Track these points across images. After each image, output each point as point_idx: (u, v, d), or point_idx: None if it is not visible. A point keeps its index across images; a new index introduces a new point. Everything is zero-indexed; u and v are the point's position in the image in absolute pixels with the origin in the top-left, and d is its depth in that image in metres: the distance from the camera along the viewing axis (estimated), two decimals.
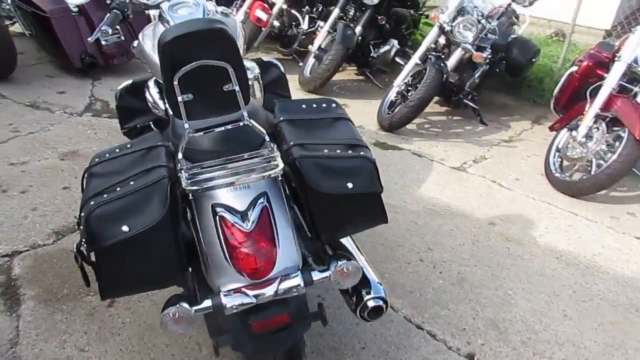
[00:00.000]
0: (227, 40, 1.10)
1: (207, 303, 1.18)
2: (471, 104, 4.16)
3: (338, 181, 1.30)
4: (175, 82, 1.07)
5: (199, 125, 1.21)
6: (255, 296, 1.17)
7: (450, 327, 2.00)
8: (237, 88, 1.13)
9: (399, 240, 2.49)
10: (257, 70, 2.31)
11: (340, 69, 5.13)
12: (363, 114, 4.12)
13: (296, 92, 4.41)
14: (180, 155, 1.20)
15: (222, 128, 1.21)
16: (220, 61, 1.08)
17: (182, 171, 1.18)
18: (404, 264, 2.32)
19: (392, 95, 3.91)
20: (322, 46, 4.40)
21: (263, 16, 4.47)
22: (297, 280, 1.20)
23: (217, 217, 1.21)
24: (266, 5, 4.58)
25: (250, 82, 2.25)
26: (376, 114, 3.91)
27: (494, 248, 2.54)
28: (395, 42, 4.74)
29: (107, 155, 1.37)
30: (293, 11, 4.93)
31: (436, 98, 4.51)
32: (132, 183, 1.18)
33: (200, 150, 1.26)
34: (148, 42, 2.04)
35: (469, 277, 2.29)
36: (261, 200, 1.24)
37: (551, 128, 3.53)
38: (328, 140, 1.38)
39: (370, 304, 1.46)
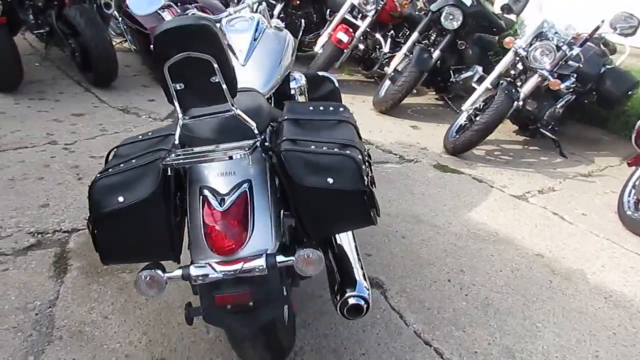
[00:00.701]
0: (211, 35, 1.23)
1: (178, 272, 1.30)
2: (549, 134, 3.96)
3: (319, 176, 1.36)
4: (166, 71, 1.23)
5: (194, 113, 1.35)
6: (221, 271, 1.27)
7: (461, 348, 1.93)
8: (220, 80, 1.26)
9: (431, 259, 2.45)
10: (303, 82, 2.45)
11: (420, 92, 5.16)
12: (431, 136, 4.10)
13: (369, 112, 4.50)
14: (176, 140, 1.35)
15: (212, 117, 1.34)
16: (204, 54, 1.22)
17: (171, 152, 1.32)
18: (430, 282, 2.28)
19: (461, 119, 3.85)
20: (399, 69, 4.45)
21: (344, 38, 4.64)
22: (260, 262, 1.27)
23: (201, 198, 1.33)
24: (349, 29, 4.75)
25: (292, 92, 2.40)
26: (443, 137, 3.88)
27: (534, 279, 2.40)
28: (479, 68, 4.65)
29: (131, 139, 1.57)
30: (377, 35, 5.06)
31: (514, 127, 4.37)
32: (133, 161, 1.35)
33: (196, 137, 1.40)
34: None
35: (496, 304, 2.20)
36: (244, 186, 1.34)
37: (630, 164, 3.25)
38: (321, 139, 1.45)
39: (351, 301, 1.49)
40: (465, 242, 2.64)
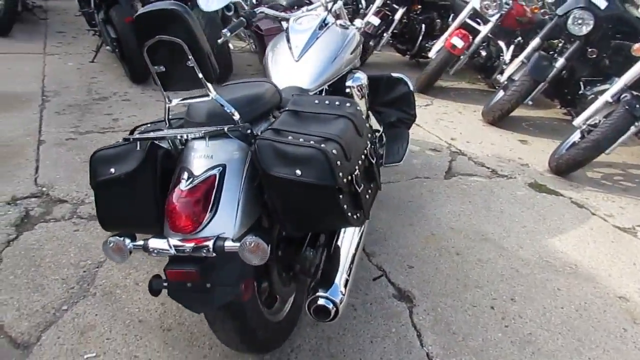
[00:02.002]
0: (181, 20, 1.27)
1: (140, 242, 1.36)
2: None
3: (288, 167, 1.33)
4: (145, 54, 1.31)
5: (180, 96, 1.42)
6: (174, 247, 1.31)
7: None
8: (193, 64, 1.30)
9: (481, 282, 2.21)
10: (362, 82, 2.39)
11: (542, 104, 4.67)
12: (539, 153, 3.69)
13: (476, 122, 4.21)
14: (166, 122, 1.44)
15: (193, 101, 1.39)
16: (174, 38, 1.27)
17: (146, 131, 1.40)
18: (468, 306, 2.06)
19: (574, 136, 3.40)
20: (514, 77, 4.09)
21: (459, 44, 4.40)
22: (208, 244, 1.28)
23: (176, 177, 1.39)
24: (468, 34, 4.49)
25: (347, 90, 2.35)
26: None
27: (603, 324, 2.02)
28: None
29: (154, 121, 1.70)
30: (499, 42, 4.71)
31: None
32: (131, 138, 1.47)
33: (188, 121, 1.47)
34: (270, 53, 2.35)
35: (540, 342, 1.90)
36: (215, 170, 1.36)
37: None
38: (306, 131, 1.41)
39: (319, 301, 1.42)
40: (531, 269, 2.33)
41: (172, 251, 1.30)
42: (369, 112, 2.58)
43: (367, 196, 1.54)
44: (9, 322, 1.81)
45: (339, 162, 1.34)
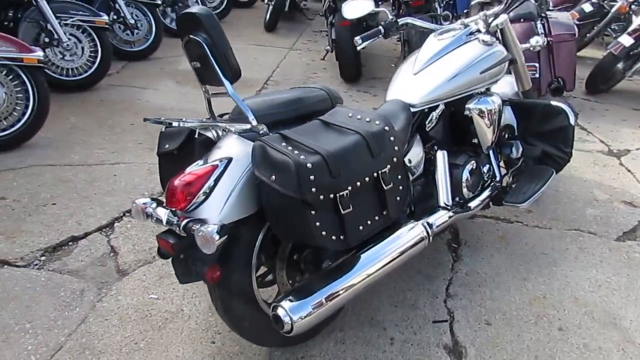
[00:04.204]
0: (201, 23, 1.41)
1: (145, 205, 1.54)
2: None
3: (268, 171, 1.36)
4: (183, 50, 1.49)
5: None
6: (166, 219, 1.46)
7: None
8: (211, 62, 1.43)
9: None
10: (489, 106, 2.15)
11: None
12: None
13: None
14: (208, 112, 1.62)
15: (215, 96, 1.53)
16: (196, 37, 1.41)
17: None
18: None
19: None
20: None
21: None
22: (182, 223, 1.39)
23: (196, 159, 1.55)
24: None
25: (467, 112, 2.12)
26: None
27: None
28: None
29: None
30: None
31: None
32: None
33: (230, 115, 1.62)
34: (400, 64, 2.32)
35: None
36: (222, 161, 1.47)
37: None
38: (308, 141, 1.41)
39: (278, 310, 1.39)
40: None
41: (163, 222, 1.47)
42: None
43: (361, 223, 1.44)
44: (122, 253, 2.30)
45: (312, 177, 1.31)
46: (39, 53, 3.05)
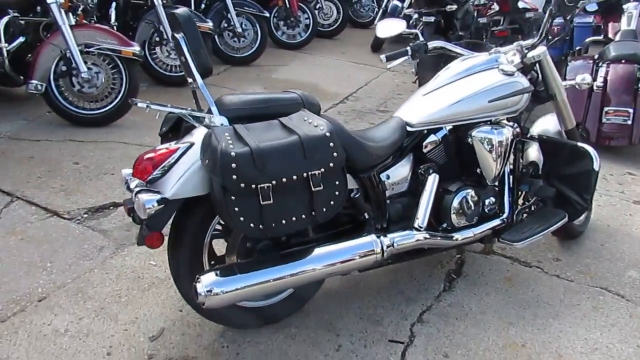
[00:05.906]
0: (184, 20, 1.61)
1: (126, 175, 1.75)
2: None
3: (205, 155, 1.59)
4: (173, 46, 1.71)
5: None
6: (126, 185, 1.67)
7: None
8: (186, 56, 1.63)
9: None
10: (498, 137, 2.10)
11: None
12: None
13: None
14: (195, 102, 1.83)
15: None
16: (175, 33, 1.62)
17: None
18: None
19: None
20: None
21: None
22: (134, 190, 1.59)
23: None
24: None
25: (469, 139, 2.08)
26: None
27: None
28: None
29: None
30: None
31: None
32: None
33: None
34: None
35: None
36: (185, 144, 1.65)
37: None
38: (251, 136, 1.56)
39: (198, 282, 1.57)
40: None
41: (125, 188, 1.70)
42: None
43: (284, 218, 1.53)
44: None
45: (234, 165, 1.45)
46: (135, 47, 3.57)
